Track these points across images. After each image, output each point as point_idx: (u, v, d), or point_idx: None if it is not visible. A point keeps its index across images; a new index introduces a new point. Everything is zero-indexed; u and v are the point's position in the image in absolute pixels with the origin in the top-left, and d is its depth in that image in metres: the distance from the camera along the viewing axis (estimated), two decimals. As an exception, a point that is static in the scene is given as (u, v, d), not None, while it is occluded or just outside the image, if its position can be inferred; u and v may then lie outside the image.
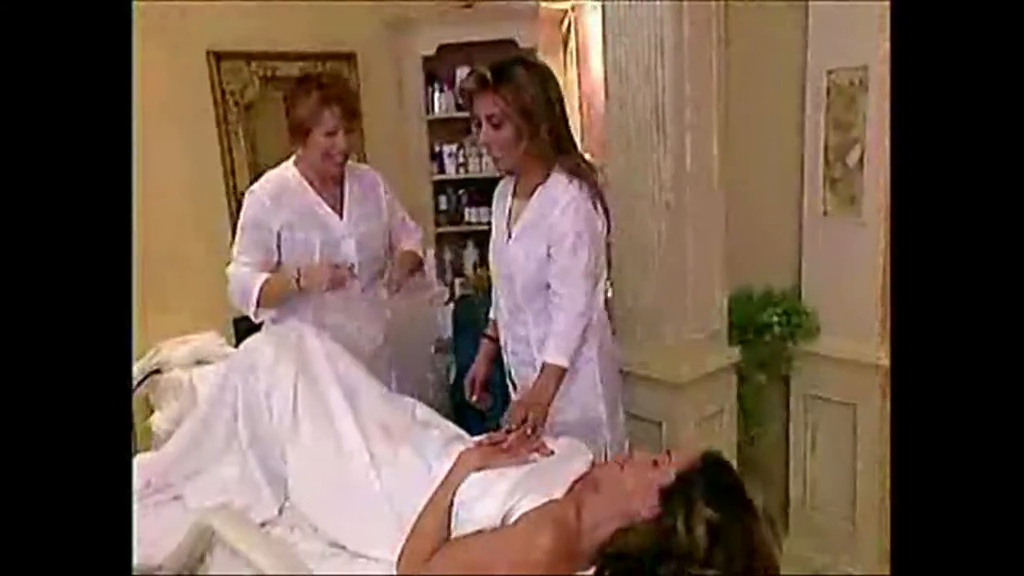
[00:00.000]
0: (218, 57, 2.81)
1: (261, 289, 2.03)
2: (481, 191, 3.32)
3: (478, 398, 2.09)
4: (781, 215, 2.47)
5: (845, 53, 2.24)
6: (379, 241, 2.20)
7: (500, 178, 1.99)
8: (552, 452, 1.59)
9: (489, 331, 2.10)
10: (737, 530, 1.27)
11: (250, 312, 2.07)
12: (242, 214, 2.09)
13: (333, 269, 2.00)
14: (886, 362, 2.29)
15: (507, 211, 1.92)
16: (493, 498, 1.42)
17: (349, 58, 3.14)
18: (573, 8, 3.24)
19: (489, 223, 2.08)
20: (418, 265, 2.20)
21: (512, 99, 1.74)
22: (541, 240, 1.81)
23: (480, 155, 3.36)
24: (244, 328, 2.95)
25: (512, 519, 1.39)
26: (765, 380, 2.46)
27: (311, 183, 2.11)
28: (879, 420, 2.35)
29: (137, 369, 2.71)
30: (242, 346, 1.82)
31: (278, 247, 2.08)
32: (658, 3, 2.06)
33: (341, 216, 2.13)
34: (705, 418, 2.34)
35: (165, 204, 2.80)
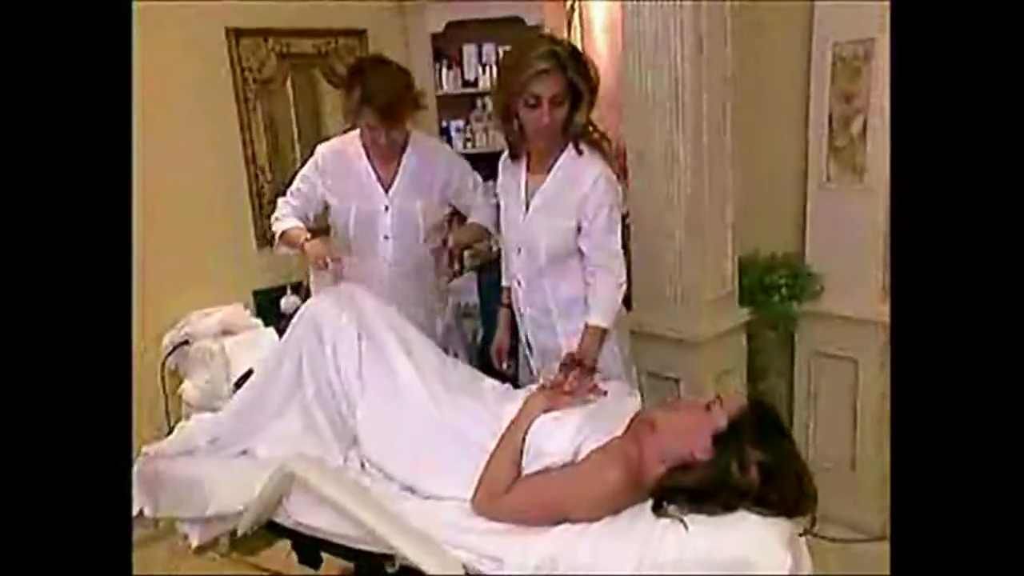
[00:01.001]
0: (238, 34, 2.86)
1: (284, 232, 2.27)
2: (488, 165, 3.42)
3: (507, 364, 2.23)
4: (787, 182, 2.63)
5: (850, 26, 2.38)
6: (428, 216, 2.29)
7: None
8: (606, 393, 1.72)
9: (504, 300, 2.20)
10: (785, 468, 1.43)
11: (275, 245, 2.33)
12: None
13: (325, 252, 2.12)
14: (886, 319, 2.47)
15: (522, 186, 1.98)
16: (562, 437, 1.54)
17: (360, 35, 3.21)
18: (578, -11, 3.34)
19: (496, 196, 2.16)
20: (477, 238, 2.29)
21: (584, 77, 1.79)
22: (568, 213, 1.89)
23: (487, 130, 3.45)
24: (263, 300, 3.04)
25: (581, 455, 1.53)
26: (773, 338, 2.62)
27: (368, 153, 2.25)
28: (879, 373, 2.53)
29: (167, 340, 2.78)
30: (305, 305, 1.91)
31: (325, 204, 2.29)
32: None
33: (387, 189, 2.25)
34: (720, 374, 2.49)
35: (188, 177, 2.85)
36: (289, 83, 3.06)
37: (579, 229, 1.91)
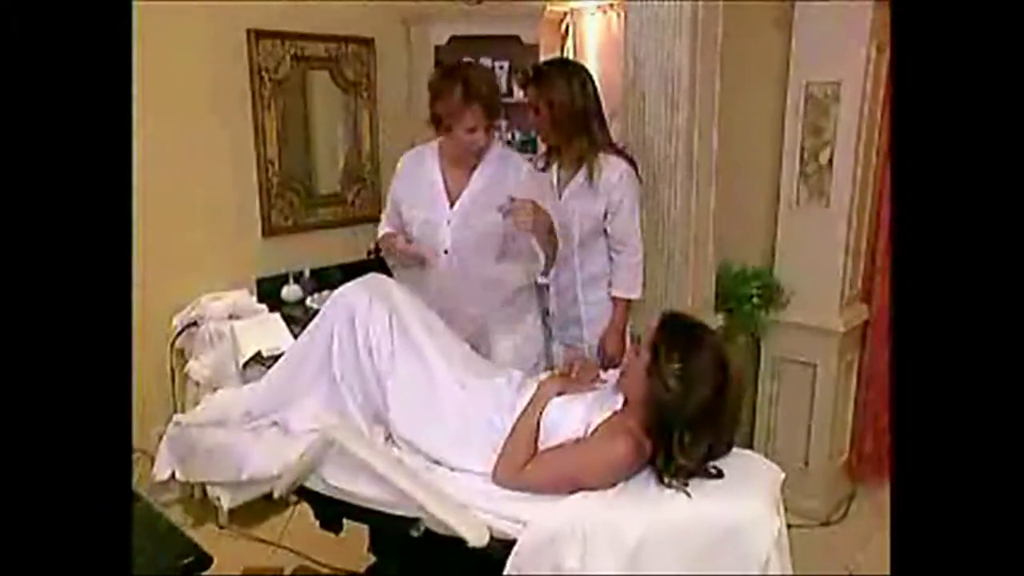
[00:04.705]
0: (257, 35, 3.01)
1: (383, 237, 2.36)
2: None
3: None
4: (761, 202, 2.92)
5: (822, 69, 2.68)
6: (488, 233, 2.19)
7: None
8: (605, 382, 1.95)
9: None
10: (699, 364, 1.62)
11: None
12: None
13: (409, 246, 2.22)
14: (843, 329, 2.77)
15: (553, 181, 2.43)
16: (574, 417, 1.76)
17: (368, 43, 3.39)
18: (572, 12, 3.57)
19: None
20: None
21: (543, 93, 2.29)
22: (598, 201, 2.32)
23: (480, 139, 3.66)
24: (266, 287, 3.20)
25: (590, 431, 1.75)
26: (742, 343, 2.90)
27: (443, 163, 2.22)
28: (835, 378, 2.83)
29: (177, 320, 2.91)
30: (339, 290, 2.05)
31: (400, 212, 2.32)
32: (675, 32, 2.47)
33: (453, 203, 2.19)
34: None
35: (201, 166, 2.99)
36: (302, 83, 3.23)
37: (605, 215, 2.34)
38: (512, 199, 2.04)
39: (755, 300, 2.82)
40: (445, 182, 2.22)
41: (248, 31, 3.00)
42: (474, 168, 2.19)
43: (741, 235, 2.93)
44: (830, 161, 2.71)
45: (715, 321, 2.78)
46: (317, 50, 3.22)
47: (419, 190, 2.26)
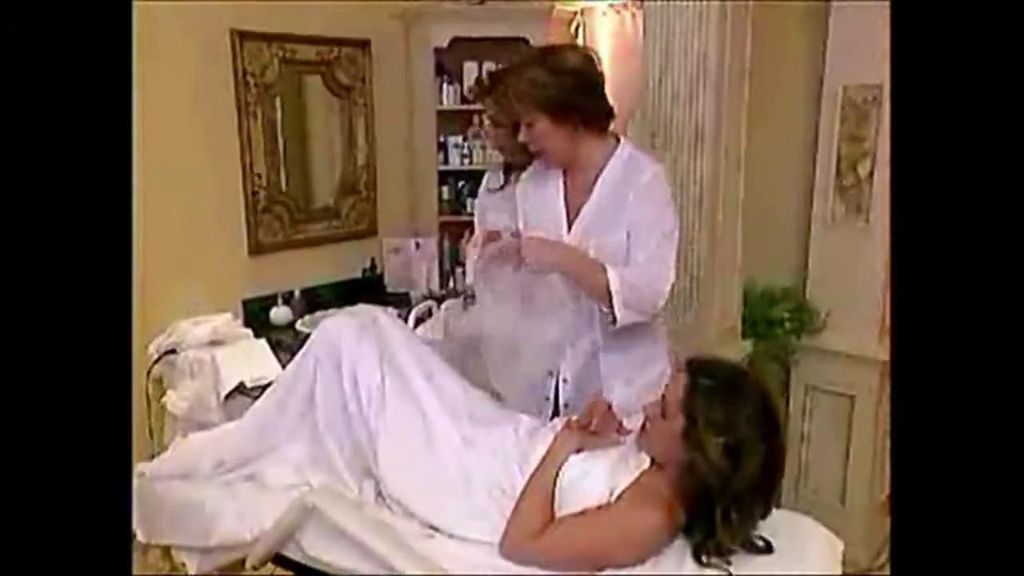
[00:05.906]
0: (241, 37, 2.78)
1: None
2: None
3: None
4: (792, 218, 2.67)
5: (860, 71, 2.44)
6: (609, 254, 1.75)
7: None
8: (630, 431, 1.69)
9: None
10: (747, 431, 1.38)
11: None
12: None
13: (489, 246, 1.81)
14: (884, 357, 2.51)
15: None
16: (597, 478, 1.50)
17: (364, 45, 3.16)
18: (583, 11, 3.35)
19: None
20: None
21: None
22: None
23: (484, 147, 3.42)
24: (253, 309, 2.97)
25: (615, 495, 1.49)
26: (772, 370, 2.65)
27: (566, 170, 1.83)
28: (874, 410, 2.58)
29: (153, 348, 2.68)
30: (322, 325, 1.81)
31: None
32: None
33: (571, 222, 1.80)
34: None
35: (182, 180, 2.76)
36: (291, 89, 2.99)
37: None
38: (513, 234, 1.68)
39: (786, 324, 2.57)
40: (566, 194, 1.82)
41: (231, 32, 2.77)
42: (598, 176, 1.78)
43: (770, 253, 2.68)
44: (870, 173, 2.46)
45: (742, 348, 2.54)
46: (308, 53, 3.00)
47: (538, 202, 1.86)
